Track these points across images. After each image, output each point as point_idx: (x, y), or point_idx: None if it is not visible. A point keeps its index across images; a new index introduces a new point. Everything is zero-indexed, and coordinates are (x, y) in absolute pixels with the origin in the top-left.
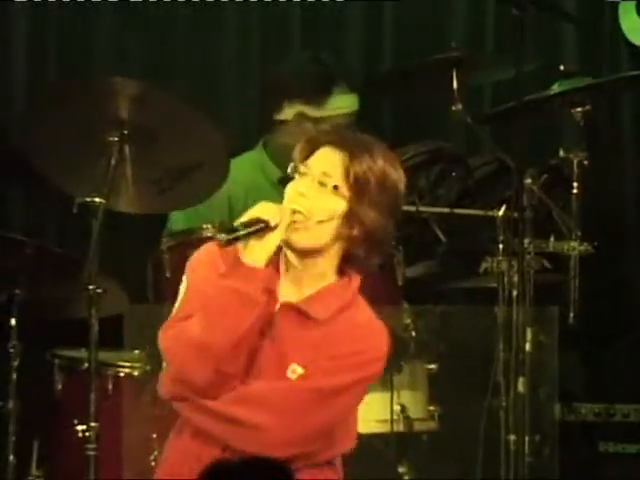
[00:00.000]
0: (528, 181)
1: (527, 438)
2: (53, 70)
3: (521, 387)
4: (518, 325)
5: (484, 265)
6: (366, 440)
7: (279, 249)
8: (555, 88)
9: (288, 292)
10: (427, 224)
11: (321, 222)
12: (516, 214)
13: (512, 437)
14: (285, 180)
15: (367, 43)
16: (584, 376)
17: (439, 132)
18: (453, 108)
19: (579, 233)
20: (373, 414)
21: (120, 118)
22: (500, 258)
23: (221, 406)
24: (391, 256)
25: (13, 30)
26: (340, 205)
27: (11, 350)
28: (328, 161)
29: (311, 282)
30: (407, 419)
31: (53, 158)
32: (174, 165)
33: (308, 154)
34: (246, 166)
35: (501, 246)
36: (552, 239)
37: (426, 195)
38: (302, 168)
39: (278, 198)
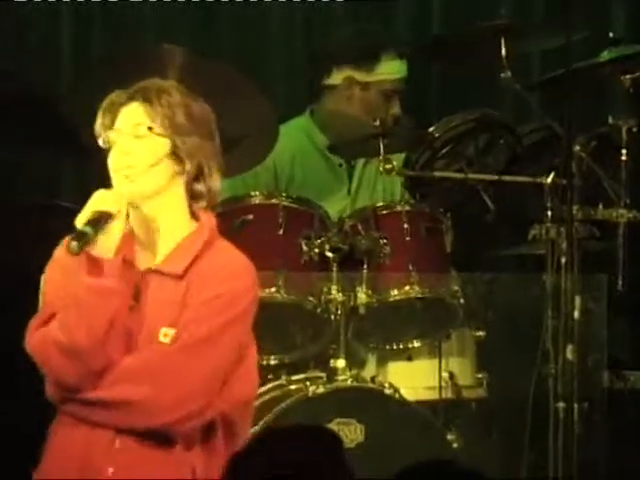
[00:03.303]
0: (577, 148)
1: (576, 406)
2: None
3: (570, 355)
4: (567, 292)
5: (532, 232)
6: (414, 407)
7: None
8: (604, 55)
9: (146, 258)
10: (475, 191)
11: (153, 165)
12: (565, 181)
13: (561, 405)
14: (333, 148)
15: (415, 11)
16: (633, 343)
17: (487, 100)
18: (502, 76)
19: (628, 200)
20: (421, 381)
21: None
22: (548, 225)
23: (102, 393)
24: (439, 223)
25: (59, 20)
26: (163, 144)
27: None
28: (133, 115)
29: (167, 240)
30: (455, 386)
31: None
32: (221, 133)
33: (111, 123)
34: (293, 133)
35: (549, 213)
36: (600, 206)
37: (474, 163)
38: (112, 136)
39: (324, 164)
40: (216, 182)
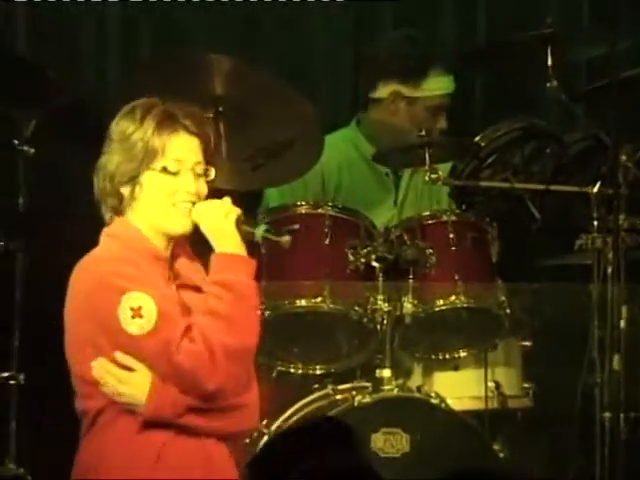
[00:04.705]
0: (623, 158)
1: (622, 416)
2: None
3: (616, 364)
4: (613, 302)
5: (579, 242)
6: (460, 417)
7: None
8: None
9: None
10: (522, 201)
11: None
12: (611, 191)
13: (607, 415)
14: (378, 157)
15: (461, 19)
16: None
17: (534, 109)
18: (548, 85)
19: None
20: (467, 391)
21: (215, 95)
22: (595, 235)
23: (234, 398)
24: (485, 232)
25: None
26: None
27: None
28: (194, 150)
29: None
30: (501, 396)
31: None
32: (267, 142)
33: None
34: (339, 143)
35: (596, 223)
36: None
37: (520, 172)
38: (174, 166)
39: (371, 174)
40: None
